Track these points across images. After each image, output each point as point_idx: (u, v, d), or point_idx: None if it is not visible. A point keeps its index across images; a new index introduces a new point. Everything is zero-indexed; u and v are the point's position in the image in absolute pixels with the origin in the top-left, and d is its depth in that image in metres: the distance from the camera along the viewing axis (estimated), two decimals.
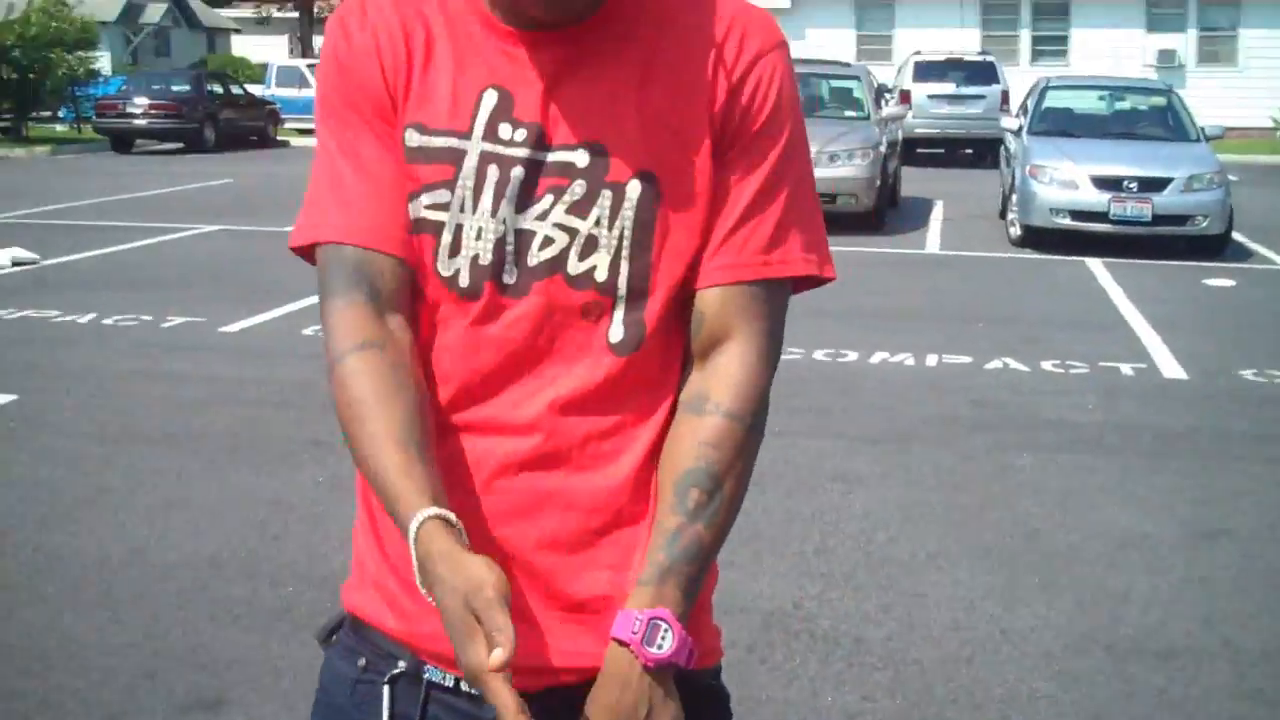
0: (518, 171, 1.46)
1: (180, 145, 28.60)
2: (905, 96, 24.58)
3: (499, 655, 1.27)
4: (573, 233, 1.46)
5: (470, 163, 1.47)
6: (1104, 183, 13.46)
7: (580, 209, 1.46)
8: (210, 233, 14.62)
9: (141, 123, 27.93)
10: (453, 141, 1.48)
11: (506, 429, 1.49)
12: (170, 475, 5.95)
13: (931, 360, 8.48)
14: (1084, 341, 9.07)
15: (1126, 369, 8.29)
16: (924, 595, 4.74)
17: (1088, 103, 17.08)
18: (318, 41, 52.30)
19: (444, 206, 1.48)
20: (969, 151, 26.12)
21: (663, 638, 1.40)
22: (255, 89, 34.04)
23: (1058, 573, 4.96)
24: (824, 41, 31.51)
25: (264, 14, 55.01)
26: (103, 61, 37.02)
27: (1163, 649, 4.34)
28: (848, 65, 20.13)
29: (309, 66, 36.56)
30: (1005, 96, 25.01)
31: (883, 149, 15.35)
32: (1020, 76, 27.24)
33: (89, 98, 31.65)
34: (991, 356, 8.56)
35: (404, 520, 1.38)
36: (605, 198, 1.46)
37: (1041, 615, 4.57)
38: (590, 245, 1.46)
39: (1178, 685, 4.10)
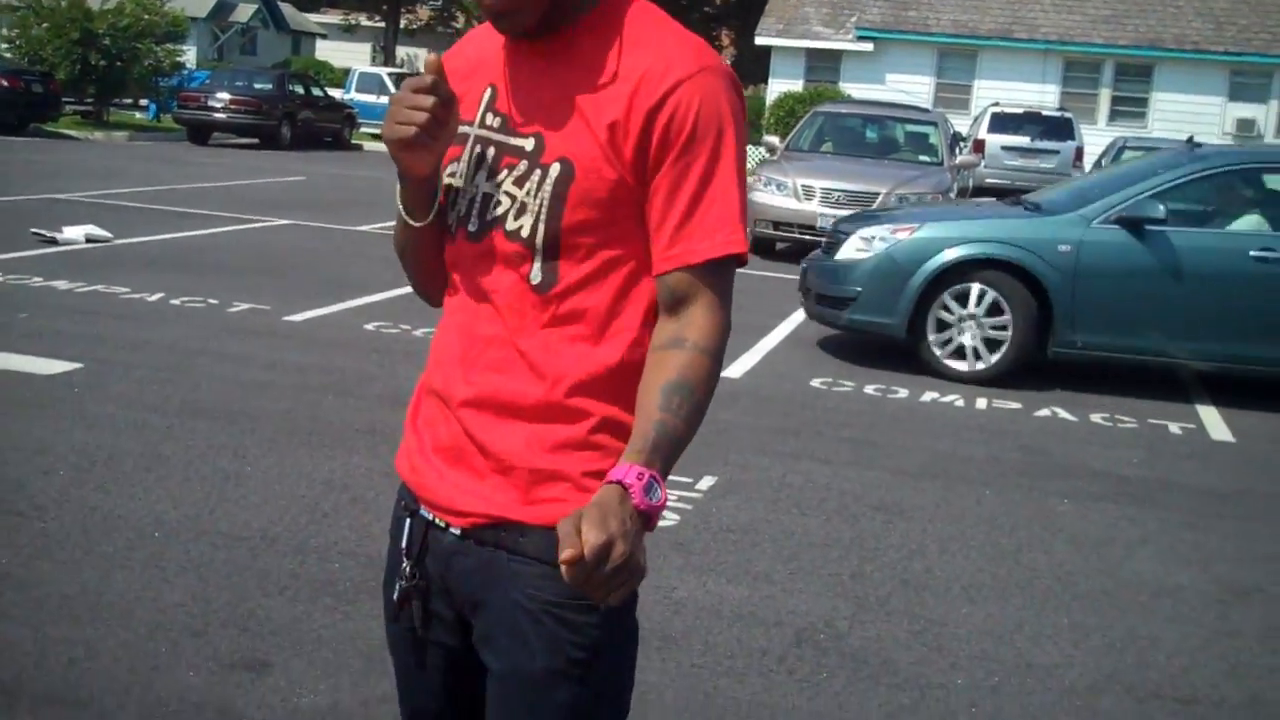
0: (491, 150, 1.96)
1: (256, 141, 29.04)
2: (979, 146, 24.64)
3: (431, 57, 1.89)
4: (513, 199, 1.93)
5: (469, 144, 1.99)
6: None
7: (520, 182, 1.93)
8: (280, 226, 14.88)
9: (221, 116, 28.33)
10: (465, 128, 1.99)
11: (480, 318, 1.98)
12: (228, 451, 6.10)
13: (981, 403, 8.53)
14: (1135, 398, 9.08)
15: (1174, 428, 8.31)
16: (955, 625, 4.80)
17: None
18: (400, 51, 53.15)
19: (454, 175, 2.01)
20: None
21: (655, 492, 1.72)
22: (335, 93, 34.52)
23: (1087, 614, 5.01)
24: (904, 87, 31.64)
25: (351, 21, 55.76)
26: (189, 55, 37.66)
27: (1185, 695, 4.38)
28: (925, 111, 20.23)
29: (389, 74, 37.03)
30: (1080, 153, 25.01)
31: (952, 194, 15.40)
32: (1097, 135, 27.22)
33: (171, 89, 32.19)
34: (1041, 405, 8.60)
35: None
36: (536, 175, 1.91)
37: (1068, 654, 4.63)
38: (522, 209, 1.92)
39: None
